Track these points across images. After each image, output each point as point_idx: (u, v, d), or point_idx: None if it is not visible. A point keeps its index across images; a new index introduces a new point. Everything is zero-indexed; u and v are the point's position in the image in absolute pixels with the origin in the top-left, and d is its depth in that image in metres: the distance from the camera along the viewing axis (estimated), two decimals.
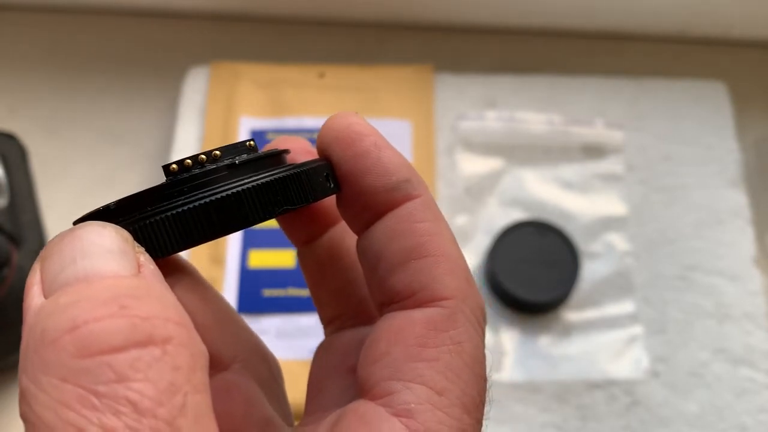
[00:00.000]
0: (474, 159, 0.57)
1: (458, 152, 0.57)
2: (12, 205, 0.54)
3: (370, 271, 0.21)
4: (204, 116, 0.57)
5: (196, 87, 0.59)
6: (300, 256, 0.24)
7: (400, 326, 0.20)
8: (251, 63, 0.60)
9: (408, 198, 0.21)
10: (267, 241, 0.53)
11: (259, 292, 0.51)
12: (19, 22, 0.64)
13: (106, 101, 0.61)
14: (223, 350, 0.22)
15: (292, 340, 0.50)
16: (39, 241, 0.54)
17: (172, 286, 0.18)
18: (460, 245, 0.21)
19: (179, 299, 0.17)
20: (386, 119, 0.57)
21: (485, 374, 0.20)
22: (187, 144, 0.56)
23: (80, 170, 0.58)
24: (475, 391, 0.19)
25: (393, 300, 0.21)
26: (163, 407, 0.15)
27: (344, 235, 0.23)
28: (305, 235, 0.24)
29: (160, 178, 0.20)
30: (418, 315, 0.20)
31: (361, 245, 0.22)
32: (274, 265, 0.52)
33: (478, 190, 0.56)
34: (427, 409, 0.18)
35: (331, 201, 0.23)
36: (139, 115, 0.61)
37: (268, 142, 0.56)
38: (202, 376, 0.16)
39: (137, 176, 0.58)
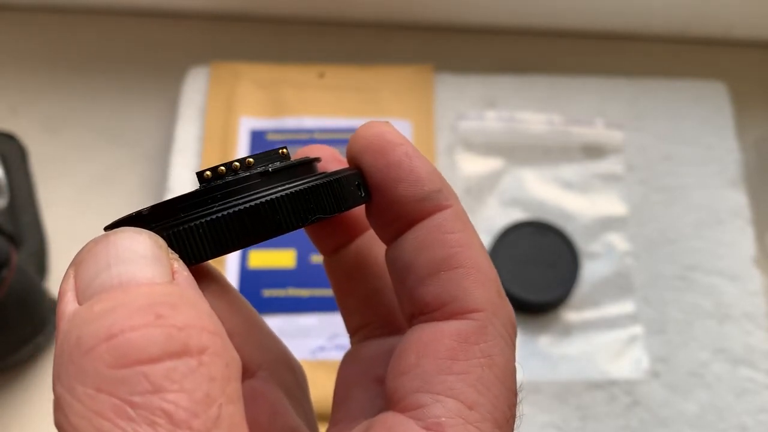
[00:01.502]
0: (474, 159, 0.57)
1: (458, 152, 0.57)
2: (12, 205, 0.54)
3: (399, 281, 0.21)
4: (204, 116, 0.57)
5: (196, 87, 0.59)
6: (327, 264, 0.24)
7: (430, 338, 0.20)
8: (251, 63, 0.60)
9: (439, 208, 0.20)
10: (267, 241, 0.52)
11: (259, 293, 0.51)
12: (19, 22, 0.64)
13: (106, 101, 0.61)
14: (249, 357, 0.22)
15: (292, 340, 0.50)
16: (39, 242, 0.54)
17: (202, 293, 0.18)
18: None
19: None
20: (386, 119, 0.57)
21: (516, 388, 0.20)
22: (187, 144, 0.56)
23: (80, 170, 0.58)
24: (506, 405, 0.19)
25: (422, 311, 0.20)
26: (198, 419, 0.15)
27: (372, 243, 0.23)
28: (333, 243, 0.24)
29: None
30: (448, 327, 0.20)
31: (391, 255, 0.21)
32: (274, 265, 0.52)
33: (478, 190, 0.56)
34: (458, 423, 0.18)
35: (359, 209, 0.23)
36: (139, 115, 0.60)
37: (268, 142, 0.56)
38: (235, 385, 0.16)
39: (137, 176, 0.58)
